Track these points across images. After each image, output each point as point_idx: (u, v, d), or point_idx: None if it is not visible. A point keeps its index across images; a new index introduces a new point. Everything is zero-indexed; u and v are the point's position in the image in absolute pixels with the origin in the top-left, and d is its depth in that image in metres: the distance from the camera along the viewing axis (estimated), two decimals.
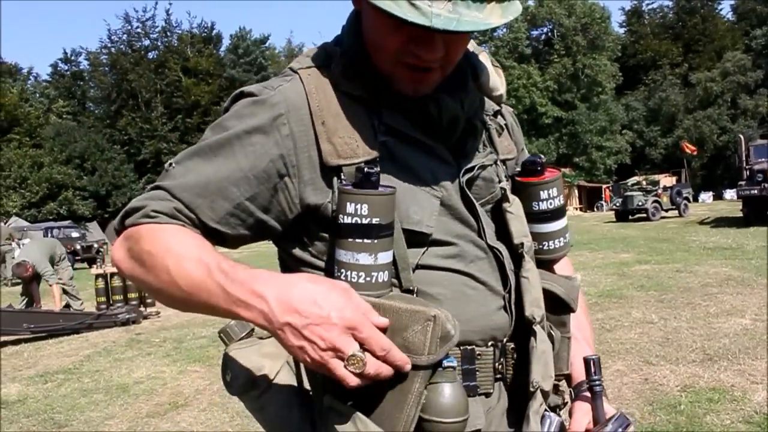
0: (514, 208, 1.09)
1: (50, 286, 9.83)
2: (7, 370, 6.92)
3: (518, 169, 1.16)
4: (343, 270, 0.92)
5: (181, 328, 8.68)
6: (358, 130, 0.98)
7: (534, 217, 1.13)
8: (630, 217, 25.78)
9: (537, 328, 1.02)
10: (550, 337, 1.09)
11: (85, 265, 23.17)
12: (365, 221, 0.90)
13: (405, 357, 0.85)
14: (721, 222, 20.25)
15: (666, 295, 8.11)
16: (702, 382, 4.68)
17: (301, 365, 1.04)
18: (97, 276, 10.09)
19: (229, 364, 1.07)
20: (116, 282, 9.94)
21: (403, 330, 0.87)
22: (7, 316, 8.18)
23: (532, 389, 0.99)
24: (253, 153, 0.96)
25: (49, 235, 22.34)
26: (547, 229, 1.14)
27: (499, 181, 1.11)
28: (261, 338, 1.12)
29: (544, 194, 1.12)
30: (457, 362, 0.98)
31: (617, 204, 27.30)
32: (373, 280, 0.91)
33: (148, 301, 10.08)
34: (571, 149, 47.84)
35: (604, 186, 42.86)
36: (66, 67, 55.27)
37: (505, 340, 1.05)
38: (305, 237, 1.02)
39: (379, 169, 0.92)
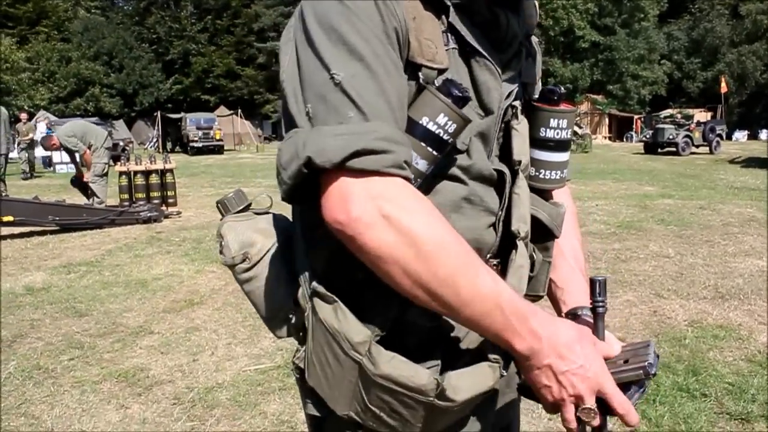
0: (521, 126, 1.09)
1: (83, 154, 10.10)
2: (33, 260, 7.15)
3: (536, 96, 1.17)
4: None
5: (201, 229, 8.84)
6: (435, 35, 0.96)
7: (539, 143, 1.14)
8: (659, 150, 25.33)
9: (519, 243, 1.03)
10: (532, 258, 1.11)
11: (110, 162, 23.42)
12: (445, 137, 0.91)
13: (637, 417, 0.93)
14: (752, 162, 19.81)
15: (686, 231, 8.06)
16: (710, 318, 4.71)
17: (297, 245, 1.06)
18: (121, 173, 10.20)
19: (223, 235, 1.09)
20: (139, 180, 10.05)
21: None
22: (33, 208, 8.37)
23: None
24: (393, 45, 0.90)
25: None
26: (548, 158, 1.16)
27: (515, 100, 1.10)
28: (257, 213, 1.13)
29: (554, 122, 1.13)
30: None
31: (647, 136, 26.80)
32: None
33: (170, 200, 10.22)
34: (605, 76, 46.37)
35: (636, 116, 41.86)
36: None
37: (489, 256, 1.06)
38: None
39: (470, 95, 0.93)
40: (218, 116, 33.88)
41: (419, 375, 0.90)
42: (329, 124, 0.84)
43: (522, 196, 1.06)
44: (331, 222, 0.84)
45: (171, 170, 10.33)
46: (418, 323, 0.96)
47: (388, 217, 0.81)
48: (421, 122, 0.91)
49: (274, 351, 4.19)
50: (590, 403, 0.90)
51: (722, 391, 3.48)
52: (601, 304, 1.07)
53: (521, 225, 1.04)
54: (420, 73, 0.93)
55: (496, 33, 1.01)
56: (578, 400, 0.90)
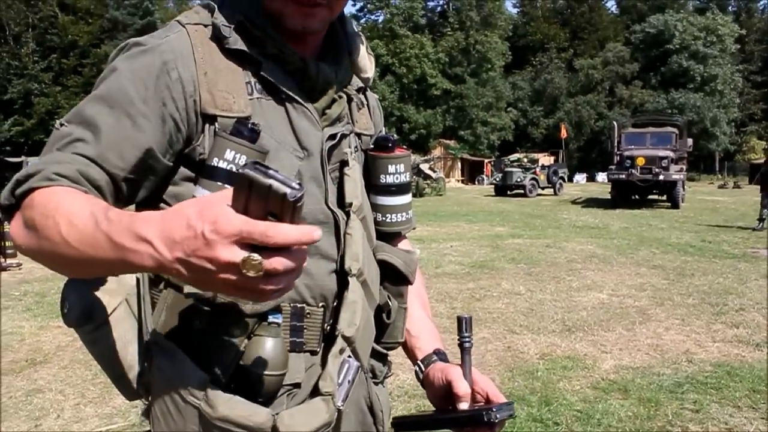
0: (352, 171, 1.14)
1: None
2: None
3: (372, 145, 1.23)
4: None
5: (45, 281, 8.21)
6: (235, 86, 1.01)
7: (381, 189, 1.20)
8: (508, 192, 26.88)
9: (351, 279, 1.06)
10: (387, 305, 1.16)
11: None
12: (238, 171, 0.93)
13: (302, 228, 0.68)
14: (591, 202, 21.58)
15: (534, 269, 8.55)
16: (559, 350, 5.01)
17: (143, 302, 1.03)
18: None
19: (66, 296, 1.04)
20: None
21: None
22: None
23: (336, 334, 1.03)
24: (150, 97, 0.97)
25: None
26: (391, 202, 1.21)
27: (349, 148, 1.16)
28: None
29: (392, 168, 1.19)
30: (286, 318, 1.02)
31: (497, 179, 28.32)
32: None
33: (9, 251, 9.44)
34: (457, 122, 48.92)
35: (486, 160, 44.28)
36: None
37: (335, 302, 1.09)
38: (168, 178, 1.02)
39: (260, 129, 0.94)
40: None
41: (257, 414, 0.91)
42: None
43: (354, 236, 1.09)
44: None
45: None
46: (255, 370, 0.96)
47: (25, 220, 0.87)
48: (212, 164, 0.94)
49: (128, 409, 3.94)
50: (239, 256, 0.67)
51: (572, 418, 3.69)
52: (467, 339, 1.13)
53: (353, 263, 1.07)
54: (217, 123, 0.98)
55: (308, 81, 1.08)
56: (231, 266, 0.68)
